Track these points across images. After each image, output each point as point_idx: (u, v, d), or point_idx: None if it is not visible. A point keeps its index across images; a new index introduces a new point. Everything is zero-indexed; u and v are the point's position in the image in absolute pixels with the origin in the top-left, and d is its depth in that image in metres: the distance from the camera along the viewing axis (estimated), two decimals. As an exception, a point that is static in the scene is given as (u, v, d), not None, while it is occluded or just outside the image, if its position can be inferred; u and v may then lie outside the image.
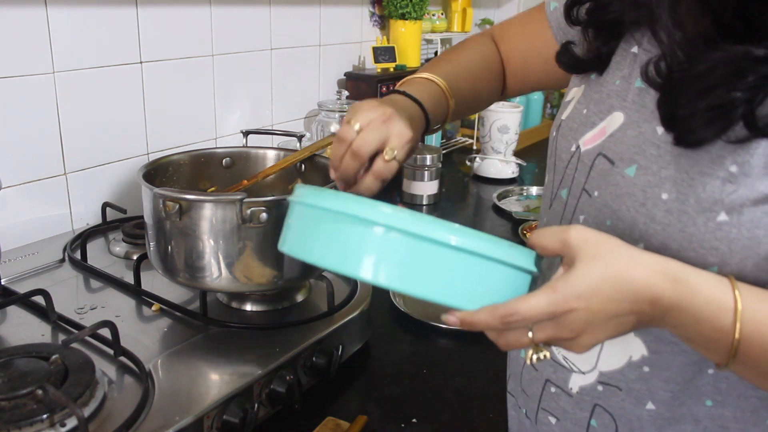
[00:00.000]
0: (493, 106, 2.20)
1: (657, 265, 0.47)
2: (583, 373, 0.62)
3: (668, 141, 0.52)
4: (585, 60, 0.64)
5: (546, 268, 0.56)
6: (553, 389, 0.66)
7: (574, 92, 0.67)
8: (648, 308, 0.47)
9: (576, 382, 0.63)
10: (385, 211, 0.48)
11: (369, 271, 0.48)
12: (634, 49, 0.59)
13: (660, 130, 0.53)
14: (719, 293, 0.46)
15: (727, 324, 0.46)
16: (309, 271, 0.92)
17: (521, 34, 0.81)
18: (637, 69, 0.58)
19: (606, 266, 0.47)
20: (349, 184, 0.67)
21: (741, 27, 0.47)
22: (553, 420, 0.66)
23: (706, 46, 0.48)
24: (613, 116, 0.58)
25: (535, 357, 0.50)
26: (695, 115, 0.48)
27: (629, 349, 0.59)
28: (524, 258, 0.50)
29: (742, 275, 0.49)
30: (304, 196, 0.52)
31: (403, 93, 0.71)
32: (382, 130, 0.64)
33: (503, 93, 0.85)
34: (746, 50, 0.46)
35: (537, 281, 0.52)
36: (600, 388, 0.61)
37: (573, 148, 0.62)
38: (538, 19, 0.77)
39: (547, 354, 0.50)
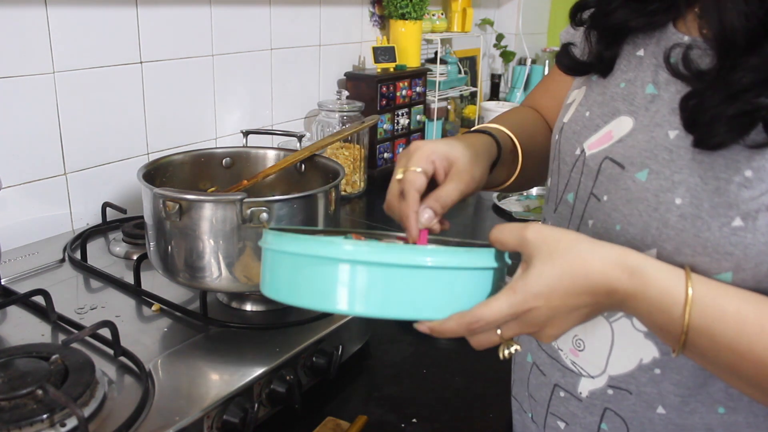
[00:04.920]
0: (491, 106, 2.21)
1: (614, 257, 0.49)
2: (593, 377, 0.62)
3: (681, 145, 0.52)
4: (586, 62, 0.63)
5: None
6: (562, 394, 0.65)
7: (575, 94, 0.66)
8: (605, 299, 0.49)
9: (585, 387, 0.63)
10: (347, 247, 0.50)
11: (344, 304, 0.50)
12: (640, 53, 0.59)
13: (672, 134, 0.53)
14: (672, 285, 0.48)
15: (678, 314, 0.48)
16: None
17: (546, 91, 0.82)
18: (644, 73, 0.57)
19: (562, 263, 0.49)
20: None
21: None
22: (562, 425, 0.66)
23: (746, 48, 0.47)
24: (621, 120, 0.58)
25: (507, 352, 0.52)
26: (720, 120, 0.48)
27: (640, 351, 0.58)
28: (482, 258, 0.52)
29: (757, 280, 0.49)
30: (270, 243, 0.54)
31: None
32: (402, 162, 0.62)
33: None
34: None
35: (505, 272, 0.55)
36: (610, 391, 0.61)
37: (577, 152, 0.62)
38: (555, 71, 0.77)
39: (518, 347, 0.52)
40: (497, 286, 0.53)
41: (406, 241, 0.59)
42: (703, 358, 0.50)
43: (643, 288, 0.48)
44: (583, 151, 0.61)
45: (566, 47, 0.66)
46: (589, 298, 0.49)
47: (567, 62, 0.66)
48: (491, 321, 0.50)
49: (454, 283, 0.51)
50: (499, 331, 0.51)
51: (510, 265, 0.55)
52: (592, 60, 0.62)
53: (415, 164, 0.59)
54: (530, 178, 0.78)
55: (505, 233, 0.52)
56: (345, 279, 0.50)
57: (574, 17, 0.65)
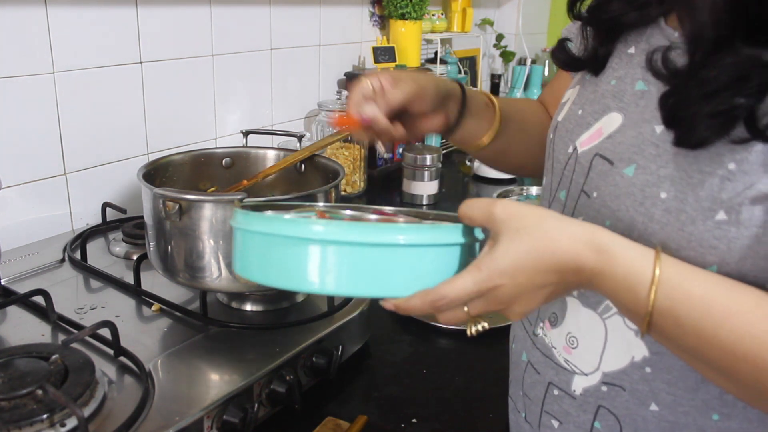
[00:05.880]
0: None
1: (583, 235, 0.49)
2: (586, 374, 0.62)
3: (667, 140, 0.52)
4: (581, 59, 0.64)
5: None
6: (555, 392, 0.65)
7: (570, 93, 0.67)
8: (573, 277, 0.49)
9: (579, 384, 0.63)
10: (314, 228, 0.50)
11: (314, 284, 0.51)
12: (631, 50, 0.59)
13: (659, 129, 0.53)
14: (640, 266, 0.48)
15: (644, 295, 0.47)
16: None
17: (552, 91, 0.83)
18: (633, 70, 0.58)
19: (529, 240, 0.49)
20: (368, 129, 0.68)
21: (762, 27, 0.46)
22: (555, 423, 0.66)
23: (716, 45, 0.47)
24: (610, 117, 0.58)
25: (474, 329, 0.52)
26: (697, 118, 0.48)
27: (632, 349, 0.58)
28: (449, 234, 0.52)
29: (742, 274, 0.49)
30: (239, 222, 0.55)
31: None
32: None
33: None
34: (754, 55, 0.46)
35: (475, 246, 0.54)
36: (604, 388, 0.61)
37: (570, 150, 0.62)
38: (561, 72, 0.79)
39: (486, 325, 0.52)
40: (466, 261, 0.52)
41: (379, 214, 0.60)
42: (669, 341, 0.50)
43: (610, 266, 0.48)
44: (575, 148, 0.61)
45: (562, 42, 0.67)
46: (555, 276, 0.49)
47: (562, 57, 0.67)
48: (455, 299, 0.50)
49: (421, 260, 0.51)
50: (466, 308, 0.51)
51: (482, 239, 0.54)
52: (586, 57, 0.63)
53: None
54: (519, 158, 0.81)
55: (473, 208, 0.52)
56: (312, 258, 0.50)
57: (572, 9, 0.65)
